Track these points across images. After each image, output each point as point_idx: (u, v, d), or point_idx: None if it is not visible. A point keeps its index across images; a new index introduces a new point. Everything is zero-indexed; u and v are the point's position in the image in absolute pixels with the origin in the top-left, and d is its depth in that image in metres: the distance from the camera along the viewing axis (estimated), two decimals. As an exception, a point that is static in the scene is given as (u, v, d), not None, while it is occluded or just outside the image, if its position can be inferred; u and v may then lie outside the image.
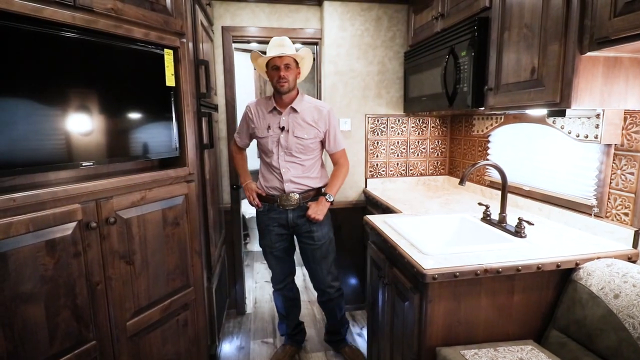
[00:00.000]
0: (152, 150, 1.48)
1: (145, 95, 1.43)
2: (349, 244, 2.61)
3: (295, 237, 2.04)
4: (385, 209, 2.10)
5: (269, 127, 1.87)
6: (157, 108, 1.48)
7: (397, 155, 2.63)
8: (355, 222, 2.57)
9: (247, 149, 2.14)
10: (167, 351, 1.58)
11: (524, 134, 1.89)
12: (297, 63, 1.85)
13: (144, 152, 1.45)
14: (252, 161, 4.41)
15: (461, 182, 1.50)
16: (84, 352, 1.24)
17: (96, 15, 1.19)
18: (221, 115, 2.47)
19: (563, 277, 1.26)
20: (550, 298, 1.27)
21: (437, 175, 2.69)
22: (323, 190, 1.97)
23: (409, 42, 2.41)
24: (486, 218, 1.62)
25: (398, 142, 2.61)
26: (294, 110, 1.86)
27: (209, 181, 1.96)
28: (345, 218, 2.57)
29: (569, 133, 1.53)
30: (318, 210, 1.88)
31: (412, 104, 2.33)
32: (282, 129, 1.86)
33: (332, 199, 1.91)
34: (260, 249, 2.18)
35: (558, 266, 1.22)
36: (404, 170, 2.65)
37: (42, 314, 1.12)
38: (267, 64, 1.85)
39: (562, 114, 1.23)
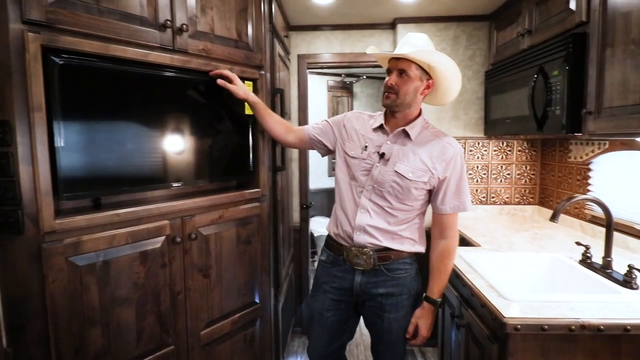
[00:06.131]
0: (231, 172, 1.60)
1: (227, 123, 1.57)
2: (422, 273, 2.45)
3: (358, 307, 1.45)
4: (461, 241, 1.94)
5: (365, 147, 1.34)
6: (237, 134, 1.61)
7: (477, 181, 2.43)
8: (428, 249, 2.42)
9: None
10: (234, 364, 1.64)
11: (636, 163, 1.60)
12: (425, 72, 1.26)
13: (223, 173, 1.58)
14: (323, 179, 4.50)
15: (553, 219, 1.32)
16: (163, 355, 1.34)
17: (190, 55, 1.35)
18: (295, 138, 2.58)
19: (694, 345, 1.01)
20: (675, 370, 1.02)
21: (524, 204, 2.41)
22: (425, 293, 1.35)
23: (490, 61, 2.25)
24: (586, 261, 1.39)
25: (478, 167, 2.42)
26: (406, 135, 1.30)
27: (280, 201, 2.04)
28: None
29: (702, 164, 1.25)
30: (427, 326, 1.32)
31: (494, 126, 2.15)
32: (382, 156, 1.31)
33: (439, 303, 1.33)
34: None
35: (686, 331, 0.98)
36: (484, 197, 2.43)
37: (133, 317, 1.25)
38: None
39: (689, 142, 1.01)
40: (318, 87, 4.31)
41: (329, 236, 1.45)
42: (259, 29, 1.58)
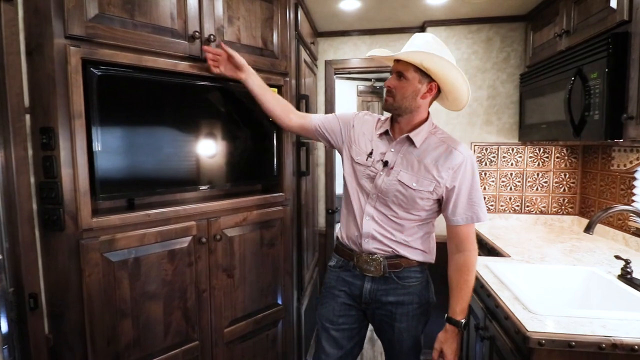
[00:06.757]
0: (255, 176, 1.65)
1: (253, 128, 1.62)
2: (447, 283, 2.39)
3: (367, 316, 1.37)
4: (491, 250, 1.87)
5: (370, 154, 1.28)
6: (262, 139, 1.65)
7: (510, 189, 2.32)
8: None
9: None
10: (256, 363, 1.68)
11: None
12: (427, 75, 1.18)
13: (248, 177, 1.63)
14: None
15: (587, 230, 1.24)
16: (189, 350, 1.40)
17: (217, 64, 1.41)
18: (320, 144, 2.61)
19: None
20: None
21: (563, 214, 2.27)
22: (447, 314, 1.24)
23: (526, 63, 2.16)
24: (625, 276, 1.29)
25: (511, 174, 2.32)
26: (410, 142, 1.23)
27: (304, 206, 2.06)
28: (443, 253, 2.37)
29: None
30: (453, 350, 1.21)
31: (529, 132, 2.05)
32: (386, 164, 1.24)
33: (463, 324, 1.20)
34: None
35: None
36: (518, 206, 2.32)
37: (161, 311, 1.32)
38: None
39: None
40: (348, 92, 4.33)
41: (338, 241, 1.40)
42: (284, 37, 1.62)
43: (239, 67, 1.38)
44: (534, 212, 2.31)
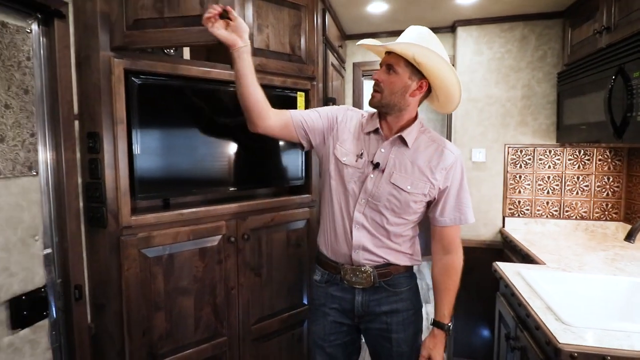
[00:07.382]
0: (282, 178, 1.69)
1: (280, 132, 1.67)
2: (479, 290, 2.31)
3: (361, 330, 1.29)
4: (525, 257, 1.79)
5: (360, 155, 1.18)
6: (289, 142, 1.69)
7: (548, 193, 2.22)
8: (487, 265, 2.25)
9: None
10: (282, 361, 1.72)
11: None
12: (418, 72, 1.10)
13: (276, 179, 1.68)
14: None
15: (628, 238, 1.17)
16: (217, 344, 1.46)
17: (247, 70, 1.47)
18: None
19: None
20: None
21: (606, 220, 2.14)
22: (434, 318, 1.21)
23: (564, 61, 2.05)
24: (673, 289, 1.20)
25: (549, 177, 2.21)
26: (403, 142, 1.15)
27: (332, 208, 2.08)
28: (476, 260, 2.30)
29: None
30: (442, 356, 1.18)
31: (568, 133, 1.95)
32: (377, 166, 1.15)
33: (451, 328, 1.20)
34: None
35: None
36: (556, 210, 2.21)
37: (192, 306, 1.38)
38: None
39: None
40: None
41: (320, 253, 1.28)
42: (312, 42, 1.65)
43: (238, 33, 1.09)
44: (573, 217, 2.19)
